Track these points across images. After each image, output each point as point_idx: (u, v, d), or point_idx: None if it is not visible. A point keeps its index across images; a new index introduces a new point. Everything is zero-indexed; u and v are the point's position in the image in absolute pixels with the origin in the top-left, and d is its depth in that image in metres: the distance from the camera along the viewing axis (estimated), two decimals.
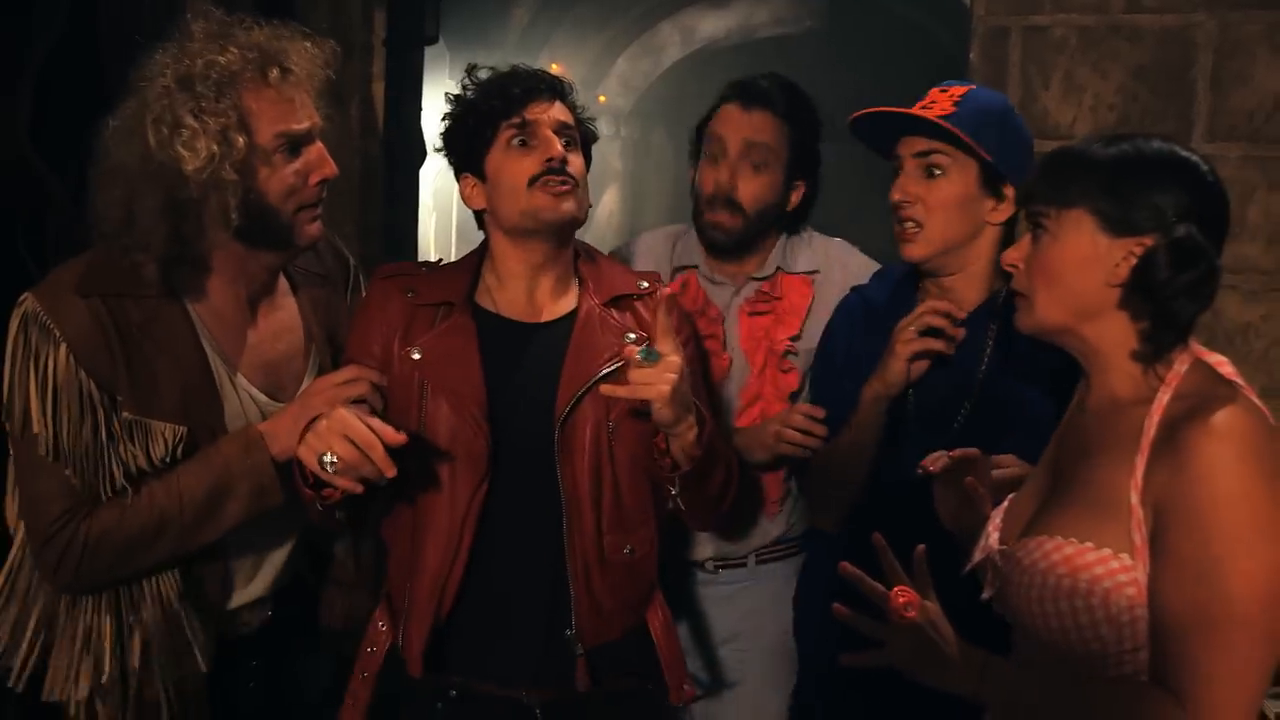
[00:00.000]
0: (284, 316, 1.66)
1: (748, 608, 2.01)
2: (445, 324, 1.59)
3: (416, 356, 1.57)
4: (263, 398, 1.60)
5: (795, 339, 1.93)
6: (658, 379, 1.42)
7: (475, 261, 1.68)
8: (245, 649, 1.63)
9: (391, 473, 1.38)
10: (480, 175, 1.63)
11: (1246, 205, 2.26)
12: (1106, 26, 2.33)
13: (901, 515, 1.54)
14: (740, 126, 1.91)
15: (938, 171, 1.59)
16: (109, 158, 1.47)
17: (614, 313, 1.64)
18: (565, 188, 1.57)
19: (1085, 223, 1.21)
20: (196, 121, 1.42)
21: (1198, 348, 1.23)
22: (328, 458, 1.37)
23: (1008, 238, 1.64)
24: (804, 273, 1.97)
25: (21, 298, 1.49)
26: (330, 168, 1.56)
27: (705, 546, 2.00)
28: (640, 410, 1.52)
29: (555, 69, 10.14)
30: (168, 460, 1.49)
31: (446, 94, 1.66)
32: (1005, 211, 1.60)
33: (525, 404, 1.57)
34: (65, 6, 2.27)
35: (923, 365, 1.62)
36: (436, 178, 6.32)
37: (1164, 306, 1.18)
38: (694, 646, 2.01)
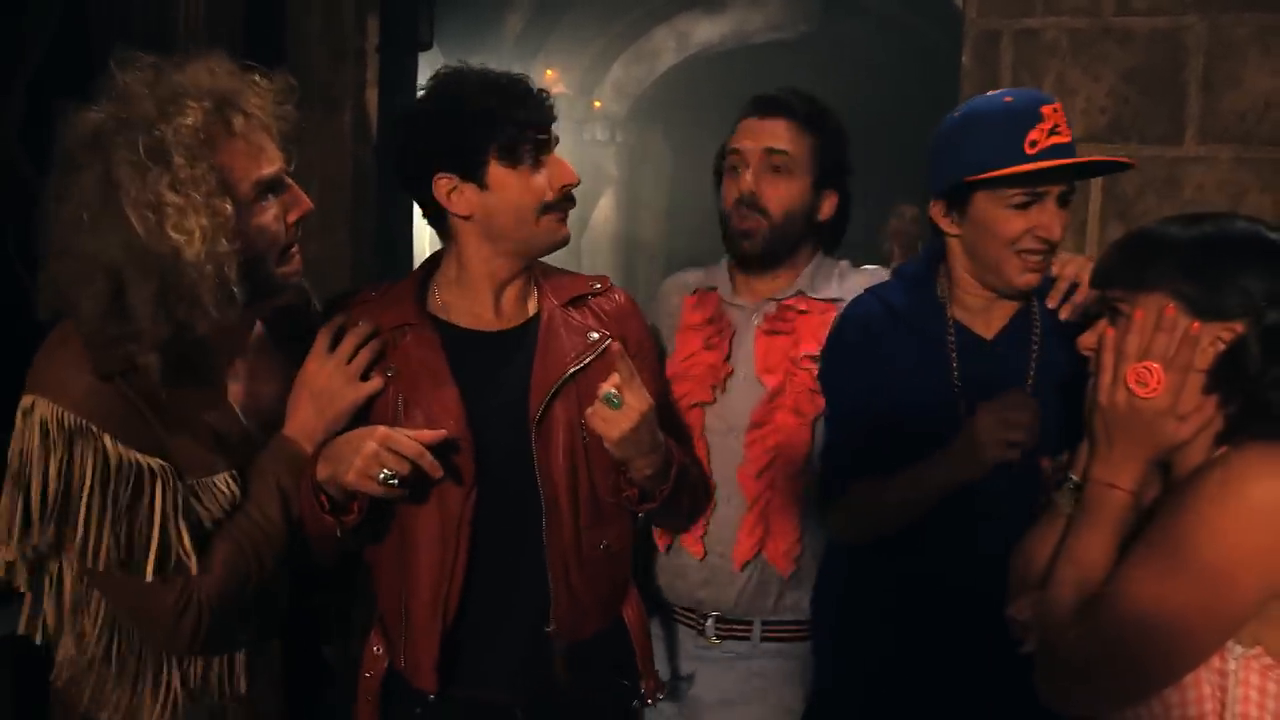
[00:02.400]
0: (265, 359, 1.61)
1: (751, 676, 1.87)
2: (406, 340, 1.60)
3: (390, 373, 1.58)
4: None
5: (816, 359, 1.82)
6: (615, 420, 1.48)
7: (421, 277, 1.67)
8: None
9: (438, 473, 1.47)
10: (477, 182, 1.56)
11: (1238, 207, 2.27)
12: (1098, 29, 2.34)
13: (947, 530, 1.57)
14: (758, 135, 1.87)
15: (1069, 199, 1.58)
16: (75, 247, 1.33)
17: (574, 313, 1.66)
18: (566, 215, 1.61)
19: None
20: (179, 196, 1.32)
21: None
22: (382, 475, 1.43)
23: None
24: (827, 300, 1.87)
25: (27, 402, 1.36)
26: (305, 203, 1.49)
27: (702, 600, 1.87)
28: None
29: (549, 75, 10.17)
30: (231, 503, 1.47)
31: (420, 88, 1.63)
32: None
33: (499, 410, 1.58)
34: (58, 9, 2.27)
35: None
36: None
37: (1256, 396, 1.14)
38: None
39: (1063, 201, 1.57)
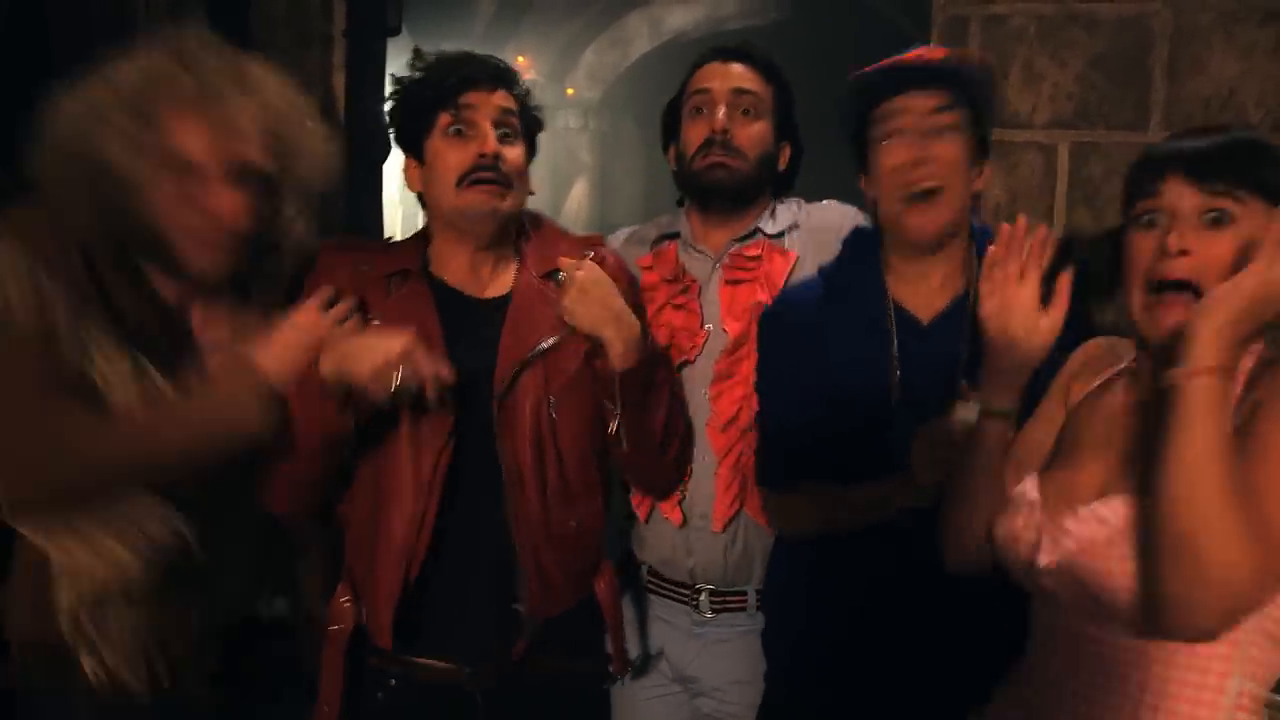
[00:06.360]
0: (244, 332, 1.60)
1: (749, 656, 1.81)
2: (401, 291, 1.62)
3: (377, 324, 1.58)
4: None
5: None
6: (569, 290, 1.57)
7: (424, 235, 1.73)
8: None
9: (446, 371, 1.52)
10: (418, 159, 1.66)
11: None
12: (1064, 15, 2.35)
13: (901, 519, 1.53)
14: (727, 77, 1.85)
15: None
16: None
17: (552, 285, 1.65)
18: (495, 186, 1.59)
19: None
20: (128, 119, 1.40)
21: None
22: (396, 382, 1.47)
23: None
24: (782, 230, 1.88)
25: None
26: (240, 215, 1.51)
27: (692, 570, 1.83)
28: (580, 384, 1.62)
29: (521, 61, 10.10)
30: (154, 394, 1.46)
31: (392, 74, 1.68)
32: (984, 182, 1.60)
33: (465, 379, 1.59)
34: None
35: None
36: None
37: None
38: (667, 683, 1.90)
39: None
